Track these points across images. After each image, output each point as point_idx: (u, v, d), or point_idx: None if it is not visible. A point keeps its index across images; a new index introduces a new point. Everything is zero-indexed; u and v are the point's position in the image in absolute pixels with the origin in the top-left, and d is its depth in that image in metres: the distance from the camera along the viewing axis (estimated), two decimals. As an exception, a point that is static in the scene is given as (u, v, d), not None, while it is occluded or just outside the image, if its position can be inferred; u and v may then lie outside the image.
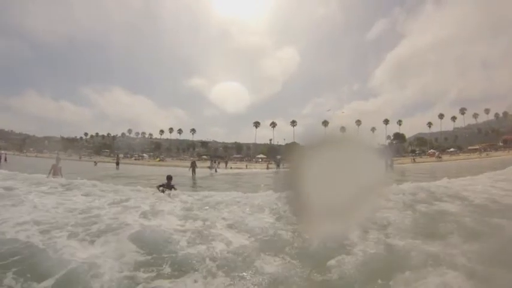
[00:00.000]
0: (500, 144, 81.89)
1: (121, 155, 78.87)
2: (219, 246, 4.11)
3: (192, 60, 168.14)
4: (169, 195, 8.52)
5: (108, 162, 47.56)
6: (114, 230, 4.65)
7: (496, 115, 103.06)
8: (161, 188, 9.27)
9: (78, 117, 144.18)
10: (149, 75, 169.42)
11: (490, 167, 16.37)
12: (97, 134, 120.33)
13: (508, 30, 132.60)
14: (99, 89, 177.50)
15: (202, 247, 4.05)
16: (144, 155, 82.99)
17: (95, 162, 38.30)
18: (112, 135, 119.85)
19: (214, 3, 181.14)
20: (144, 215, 5.94)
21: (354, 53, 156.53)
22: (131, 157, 77.46)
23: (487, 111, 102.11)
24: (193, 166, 22.61)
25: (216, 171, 28.06)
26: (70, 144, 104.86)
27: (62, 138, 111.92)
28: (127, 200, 7.43)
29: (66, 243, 4.03)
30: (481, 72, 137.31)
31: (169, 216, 5.89)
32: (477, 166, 21.66)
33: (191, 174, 20.98)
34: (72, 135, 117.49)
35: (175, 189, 9.47)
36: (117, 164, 30.11)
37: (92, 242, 4.17)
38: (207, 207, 6.89)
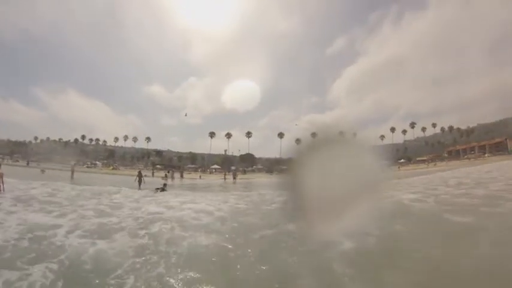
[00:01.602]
0: (445, 155, 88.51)
1: (72, 162, 74.59)
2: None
3: (152, 67, 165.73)
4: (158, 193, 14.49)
5: (59, 170, 44.12)
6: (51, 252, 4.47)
7: (442, 129, 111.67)
8: (158, 189, 15.49)
9: (28, 120, 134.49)
10: (107, 79, 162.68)
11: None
12: (48, 138, 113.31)
13: (456, 53, 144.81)
14: (53, 90, 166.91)
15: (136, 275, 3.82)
16: (97, 162, 79.12)
17: (42, 170, 34.70)
18: (64, 140, 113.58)
19: (178, 12, 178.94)
20: (98, 230, 5.95)
21: (313, 67, 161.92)
22: (83, 165, 73.50)
23: (434, 125, 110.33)
24: (139, 176, 20.85)
25: (171, 179, 27.25)
26: (17, 148, 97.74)
27: (9, 141, 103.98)
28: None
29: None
30: (430, 89, 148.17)
31: (121, 233, 5.78)
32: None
33: (137, 186, 19.32)
34: (21, 139, 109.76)
35: (166, 190, 15.65)
36: (72, 172, 27.65)
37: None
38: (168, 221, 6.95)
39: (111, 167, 68.01)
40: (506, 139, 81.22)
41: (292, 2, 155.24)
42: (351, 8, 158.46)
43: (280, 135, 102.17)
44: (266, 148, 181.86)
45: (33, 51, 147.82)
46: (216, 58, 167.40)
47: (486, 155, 73.28)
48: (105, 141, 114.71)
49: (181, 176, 37.30)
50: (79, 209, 8.39)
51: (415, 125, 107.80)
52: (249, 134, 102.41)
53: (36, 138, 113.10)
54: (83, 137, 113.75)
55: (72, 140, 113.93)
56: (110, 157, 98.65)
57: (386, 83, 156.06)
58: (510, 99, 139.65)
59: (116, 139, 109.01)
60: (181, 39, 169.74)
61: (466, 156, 79.53)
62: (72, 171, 27.58)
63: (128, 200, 11.08)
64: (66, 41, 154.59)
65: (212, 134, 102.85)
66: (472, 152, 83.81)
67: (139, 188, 18.31)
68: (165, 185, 16.83)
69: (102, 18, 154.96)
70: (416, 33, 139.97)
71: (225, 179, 37.33)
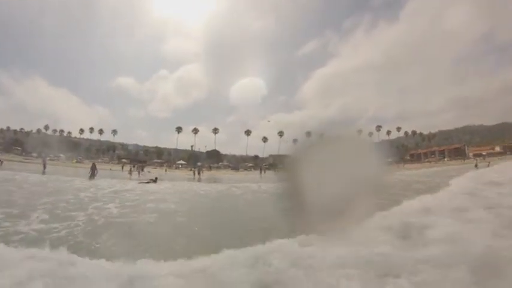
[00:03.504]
0: (408, 158, 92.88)
1: (34, 154, 70.89)
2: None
3: (123, 57, 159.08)
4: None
5: (19, 161, 41.87)
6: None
7: (406, 133, 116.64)
8: (150, 181, 17.91)
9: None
10: (76, 67, 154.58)
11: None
12: (8, 128, 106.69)
13: (423, 63, 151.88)
14: (16, 75, 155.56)
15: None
16: (61, 155, 75.69)
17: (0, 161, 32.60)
18: (26, 130, 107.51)
19: (154, 2, 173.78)
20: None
21: (284, 66, 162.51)
22: (45, 157, 70.16)
23: (398, 129, 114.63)
24: (93, 170, 19.99)
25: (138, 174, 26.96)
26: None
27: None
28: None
29: None
30: (396, 95, 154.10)
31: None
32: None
33: (89, 179, 18.15)
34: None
35: (155, 182, 17.85)
36: (44, 166, 25.83)
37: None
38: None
39: (75, 160, 65.51)
40: (464, 145, 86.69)
41: (267, 2, 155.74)
42: (326, 11, 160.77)
43: (248, 132, 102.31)
44: (233, 145, 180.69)
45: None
46: (188, 53, 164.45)
47: (445, 159, 77.85)
48: (69, 132, 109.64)
49: (142, 170, 36.51)
50: (31, 209, 7.44)
51: (381, 128, 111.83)
52: (216, 130, 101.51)
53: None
54: (46, 127, 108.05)
55: (34, 130, 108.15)
56: (75, 149, 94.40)
57: (356, 86, 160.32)
58: (468, 109, 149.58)
59: (82, 131, 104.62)
60: (155, 31, 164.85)
61: (427, 160, 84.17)
62: (44, 164, 26.30)
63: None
64: (34, 23, 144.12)
65: (179, 129, 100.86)
66: (433, 156, 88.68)
67: (92, 179, 18.56)
68: (156, 178, 19.01)
69: (73, 1, 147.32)
70: (388, 42, 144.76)
71: (194, 174, 37.72)
